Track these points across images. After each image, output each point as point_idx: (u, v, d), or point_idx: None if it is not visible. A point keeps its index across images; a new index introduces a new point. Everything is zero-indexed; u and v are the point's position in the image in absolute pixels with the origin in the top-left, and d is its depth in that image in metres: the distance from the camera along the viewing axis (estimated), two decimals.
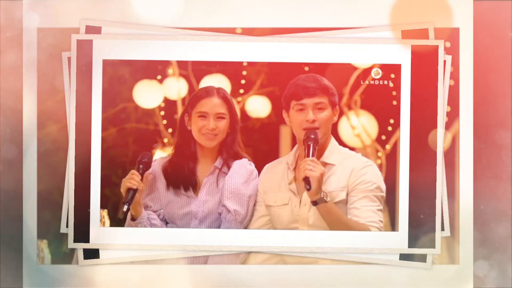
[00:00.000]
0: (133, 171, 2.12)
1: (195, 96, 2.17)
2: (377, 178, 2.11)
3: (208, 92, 2.16)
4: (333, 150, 2.15)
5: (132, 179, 2.10)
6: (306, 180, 2.01)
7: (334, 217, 2.07)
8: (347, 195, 2.10)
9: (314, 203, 2.04)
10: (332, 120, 2.14)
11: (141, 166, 2.13)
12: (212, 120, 2.14)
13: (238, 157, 2.19)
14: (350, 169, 2.12)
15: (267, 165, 2.21)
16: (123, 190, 2.10)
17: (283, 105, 2.16)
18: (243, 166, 2.18)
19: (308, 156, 2.04)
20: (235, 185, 2.16)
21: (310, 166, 2.02)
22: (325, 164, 2.12)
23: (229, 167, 2.17)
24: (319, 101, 2.10)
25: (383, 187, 2.12)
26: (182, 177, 2.19)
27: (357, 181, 2.10)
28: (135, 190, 2.09)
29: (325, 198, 2.04)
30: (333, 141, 2.16)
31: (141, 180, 2.11)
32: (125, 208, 2.07)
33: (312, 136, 2.08)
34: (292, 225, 2.13)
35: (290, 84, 2.14)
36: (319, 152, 2.12)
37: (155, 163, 2.21)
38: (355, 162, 2.13)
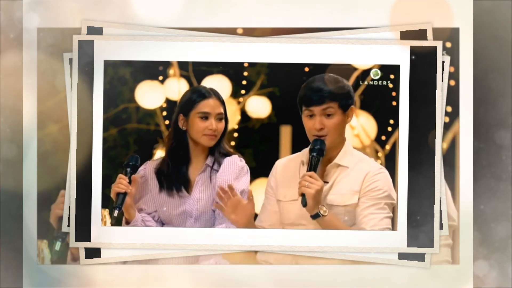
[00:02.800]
0: (120, 175, 2.15)
1: (192, 97, 2.19)
2: (388, 186, 2.13)
3: (205, 93, 2.18)
4: (347, 152, 2.17)
5: (119, 183, 2.13)
6: (303, 195, 2.05)
7: (335, 228, 2.10)
8: (359, 199, 2.12)
9: (313, 217, 2.08)
10: (345, 124, 2.15)
11: (128, 169, 2.16)
12: (213, 121, 2.18)
13: (228, 154, 2.22)
14: (364, 173, 2.14)
15: (279, 161, 2.23)
16: (112, 195, 2.13)
17: (298, 106, 2.18)
18: (233, 162, 2.21)
19: (309, 169, 2.08)
20: (226, 181, 2.18)
21: (307, 182, 2.05)
22: (338, 166, 2.15)
23: (220, 165, 2.20)
24: (327, 106, 2.12)
25: (394, 194, 2.13)
26: (175, 178, 2.22)
27: (369, 187, 2.12)
28: (125, 194, 2.12)
29: (322, 213, 2.07)
30: (347, 144, 2.18)
31: (129, 183, 2.14)
32: (115, 213, 2.11)
33: (317, 147, 2.10)
34: (299, 220, 2.15)
35: (302, 87, 2.15)
36: (332, 153, 2.16)
37: (147, 166, 2.23)
38: (369, 166, 2.15)
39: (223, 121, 2.20)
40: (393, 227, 2.15)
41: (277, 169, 2.22)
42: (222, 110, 2.20)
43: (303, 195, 2.06)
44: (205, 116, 2.18)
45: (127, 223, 2.17)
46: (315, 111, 2.13)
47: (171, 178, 2.22)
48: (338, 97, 2.13)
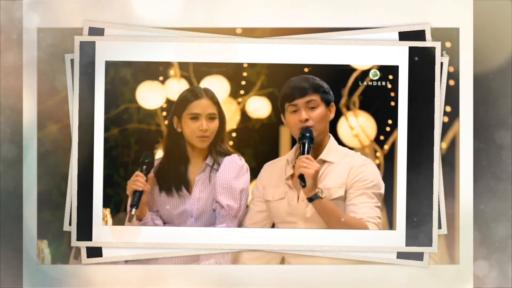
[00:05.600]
0: (137, 172, 2.17)
1: (184, 99, 2.21)
2: (375, 176, 2.17)
3: (197, 94, 2.21)
4: (332, 148, 2.21)
5: (137, 181, 2.15)
6: (301, 177, 2.08)
7: (330, 213, 2.13)
8: (346, 192, 2.16)
9: (310, 199, 2.12)
10: (328, 118, 2.20)
11: (144, 167, 2.18)
12: (204, 121, 2.20)
13: (227, 153, 2.25)
14: (349, 166, 2.18)
15: (266, 164, 2.27)
16: (129, 192, 2.15)
17: (280, 109, 2.22)
18: (233, 162, 2.24)
19: (303, 153, 2.12)
20: (226, 180, 2.22)
21: (305, 163, 2.08)
22: (323, 162, 2.19)
23: (219, 164, 2.23)
24: (310, 99, 2.17)
25: (382, 184, 2.17)
26: (174, 179, 2.25)
27: (355, 178, 2.16)
28: (141, 192, 2.14)
29: (320, 194, 2.11)
30: (332, 140, 2.22)
31: (146, 180, 2.16)
32: (133, 211, 2.13)
33: (307, 134, 2.15)
34: (289, 218, 2.20)
35: (282, 88, 2.20)
36: (318, 150, 2.20)
37: None
38: (354, 160, 2.19)
39: (216, 120, 2.23)
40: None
41: (263, 172, 2.27)
42: (214, 110, 2.22)
43: (301, 176, 2.09)
44: (195, 117, 2.21)
45: (139, 219, 2.20)
46: (299, 104, 2.18)
47: (168, 179, 2.25)
48: (319, 90, 2.18)
